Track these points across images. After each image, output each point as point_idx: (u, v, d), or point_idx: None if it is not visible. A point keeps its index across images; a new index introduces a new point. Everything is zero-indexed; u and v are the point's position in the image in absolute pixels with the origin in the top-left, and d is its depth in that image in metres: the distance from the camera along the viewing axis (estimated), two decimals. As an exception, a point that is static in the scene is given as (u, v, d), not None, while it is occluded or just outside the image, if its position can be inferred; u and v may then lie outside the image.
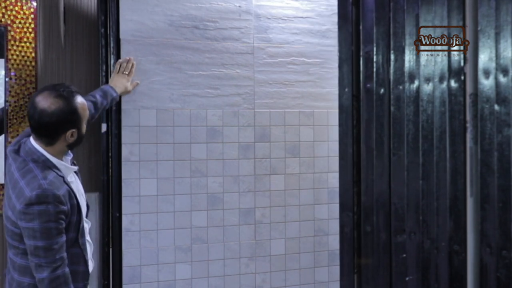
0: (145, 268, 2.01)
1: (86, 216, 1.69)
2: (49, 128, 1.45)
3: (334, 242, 2.24)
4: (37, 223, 1.39)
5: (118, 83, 1.93)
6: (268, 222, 2.17)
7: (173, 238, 2.04)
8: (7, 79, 2.05)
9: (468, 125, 1.20)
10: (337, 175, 1.86)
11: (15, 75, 2.07)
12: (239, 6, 2.12)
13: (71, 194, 1.50)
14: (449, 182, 1.24)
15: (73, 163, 1.64)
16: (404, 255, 1.38)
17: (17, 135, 2.08)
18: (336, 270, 2.20)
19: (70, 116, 1.47)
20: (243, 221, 2.13)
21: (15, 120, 2.07)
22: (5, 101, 2.05)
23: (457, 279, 1.23)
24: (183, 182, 2.05)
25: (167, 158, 2.03)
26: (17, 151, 1.51)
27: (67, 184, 1.50)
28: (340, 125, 1.62)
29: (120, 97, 1.95)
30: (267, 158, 2.17)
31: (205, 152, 2.08)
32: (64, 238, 1.46)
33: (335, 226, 2.22)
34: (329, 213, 2.25)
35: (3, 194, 2.04)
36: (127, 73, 1.96)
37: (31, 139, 1.51)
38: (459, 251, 1.22)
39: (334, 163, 2.19)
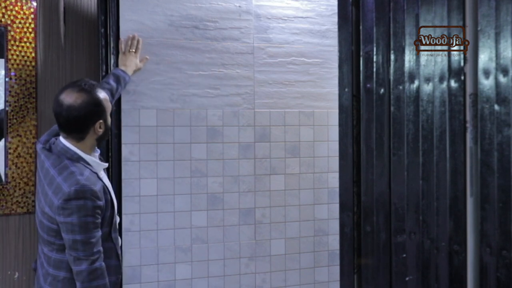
0: (145, 268, 2.01)
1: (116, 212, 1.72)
2: (79, 122, 1.48)
3: (334, 242, 2.24)
4: (76, 218, 1.42)
5: (128, 62, 1.91)
6: (268, 222, 2.17)
7: (173, 238, 2.04)
8: (7, 79, 2.05)
9: (468, 125, 1.20)
10: (337, 175, 1.86)
11: (15, 75, 2.07)
12: (239, 6, 2.12)
13: (106, 189, 1.54)
14: (449, 182, 1.24)
15: (101, 160, 1.67)
16: (404, 255, 1.38)
17: (17, 135, 2.08)
18: (336, 270, 2.20)
19: (95, 108, 1.50)
20: (243, 221, 2.13)
21: (15, 120, 2.07)
22: (5, 101, 2.05)
23: (457, 279, 1.23)
24: (183, 182, 2.05)
25: (167, 158, 2.03)
26: (49, 150, 1.53)
27: (101, 179, 1.53)
28: (340, 125, 1.62)
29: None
30: (267, 158, 2.17)
31: (205, 152, 2.08)
32: (100, 232, 1.49)
33: (335, 226, 2.22)
34: (329, 213, 2.25)
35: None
36: (133, 50, 1.94)
37: (61, 139, 1.53)
38: (459, 251, 1.22)
39: (334, 163, 2.19)
